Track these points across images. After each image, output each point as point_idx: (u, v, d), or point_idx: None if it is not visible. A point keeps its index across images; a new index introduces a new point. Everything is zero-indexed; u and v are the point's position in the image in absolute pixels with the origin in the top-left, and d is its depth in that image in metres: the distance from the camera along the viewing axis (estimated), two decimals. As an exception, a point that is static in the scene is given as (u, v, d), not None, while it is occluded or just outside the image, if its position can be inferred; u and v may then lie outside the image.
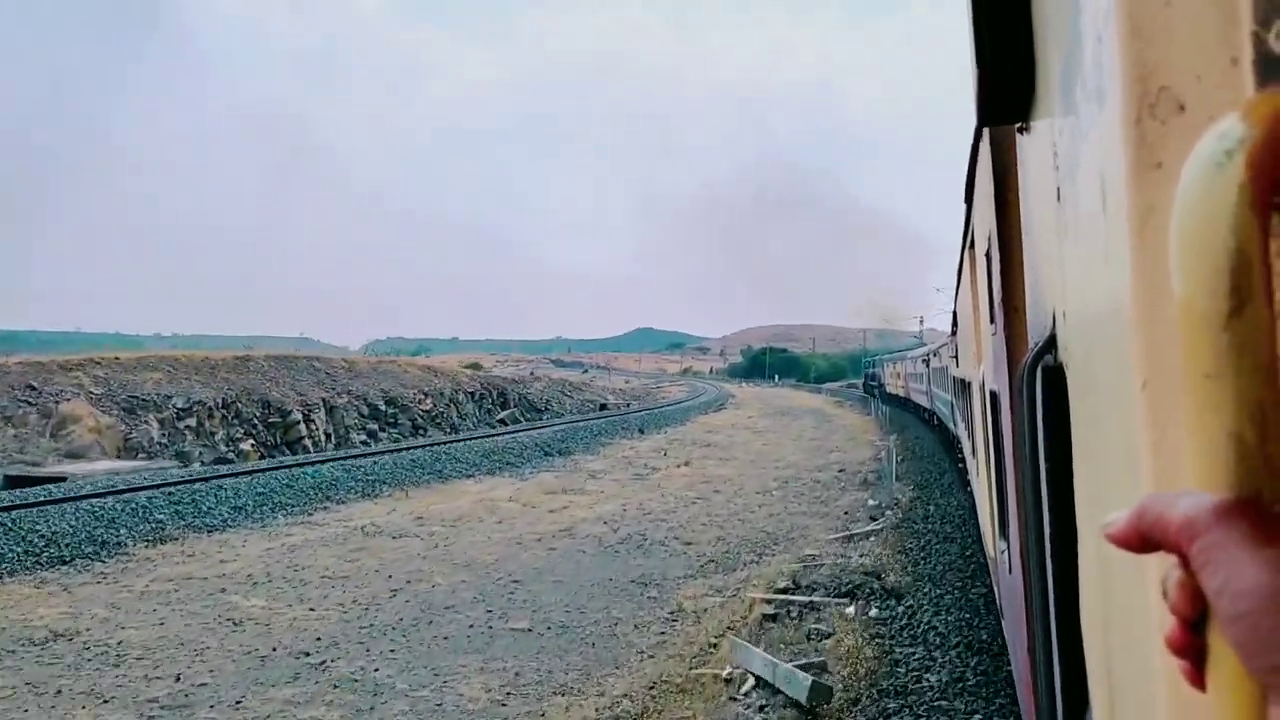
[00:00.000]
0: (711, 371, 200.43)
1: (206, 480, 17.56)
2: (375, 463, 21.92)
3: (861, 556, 12.65)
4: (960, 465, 16.15)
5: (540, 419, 46.45)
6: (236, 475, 18.30)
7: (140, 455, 24.48)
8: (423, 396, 40.63)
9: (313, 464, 20.59)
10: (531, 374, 76.85)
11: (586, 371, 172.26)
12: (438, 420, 40.50)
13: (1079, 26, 0.99)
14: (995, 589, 6.41)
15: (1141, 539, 0.50)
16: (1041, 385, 1.59)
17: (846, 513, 17.47)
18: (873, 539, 14.24)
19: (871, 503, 18.37)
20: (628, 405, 59.22)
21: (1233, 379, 0.46)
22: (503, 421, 44.61)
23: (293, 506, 17.16)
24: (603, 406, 57.06)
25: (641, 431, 38.05)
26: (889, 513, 16.88)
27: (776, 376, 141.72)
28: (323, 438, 32.03)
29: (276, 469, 19.68)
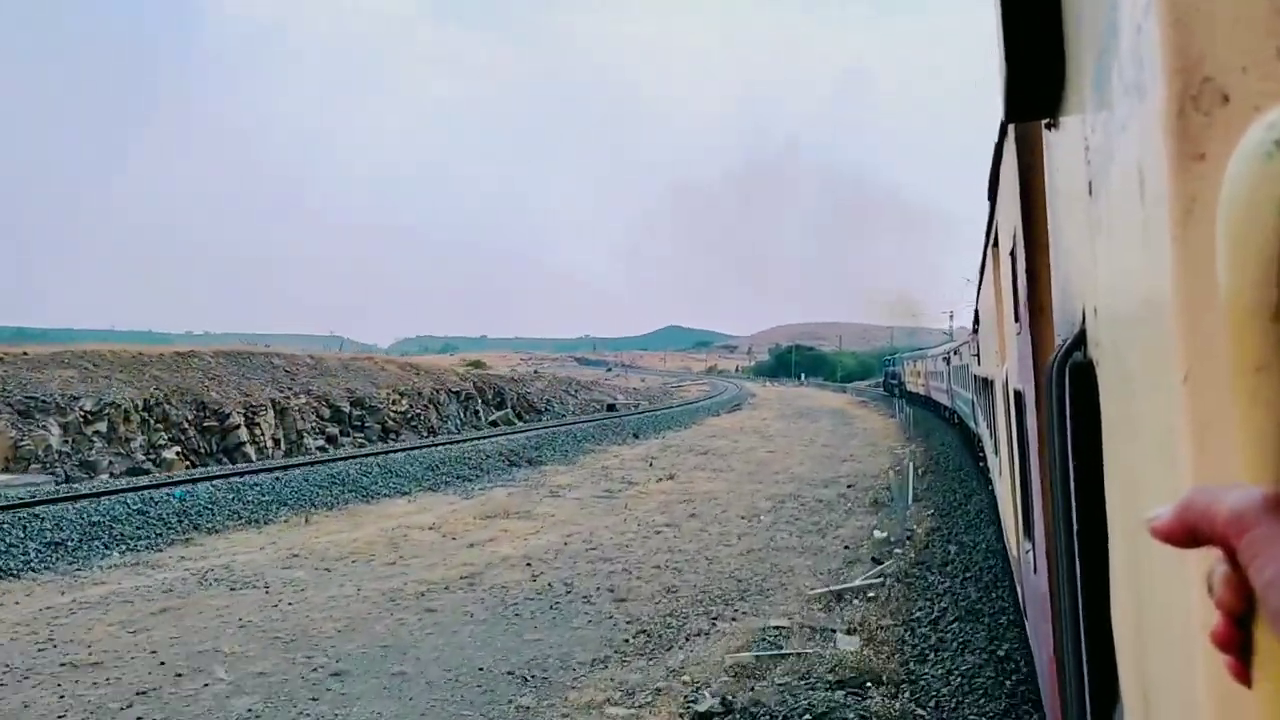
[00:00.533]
0: (738, 370, 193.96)
1: (27, 505, 13.85)
2: (279, 480, 18.27)
3: (848, 633, 8.94)
4: (983, 464, 15.19)
5: (540, 420, 43.13)
6: (72, 499, 14.50)
7: (34, 466, 21.25)
8: (398, 397, 36.89)
9: (185, 483, 16.98)
10: (535, 373, 73.84)
11: (610, 370, 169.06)
12: (413, 423, 36.77)
13: (1115, 18, 0.99)
14: (1019, 589, 6.39)
15: (1187, 532, 0.49)
16: (1070, 382, 1.59)
17: (847, 547, 13.78)
18: (870, 599, 10.51)
19: (879, 533, 14.68)
20: (635, 406, 55.00)
21: None
22: (494, 423, 40.95)
23: (138, 540, 13.59)
24: (610, 407, 52.85)
25: (636, 436, 34.65)
26: (898, 552, 13.17)
27: (803, 375, 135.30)
28: (270, 444, 28.61)
29: (131, 490, 15.85)
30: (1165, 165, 0.76)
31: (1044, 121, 1.90)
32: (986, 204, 5.70)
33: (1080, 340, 1.59)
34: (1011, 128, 3.37)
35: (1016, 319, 3.88)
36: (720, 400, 60.00)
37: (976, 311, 11.53)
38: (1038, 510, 3.35)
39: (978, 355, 12.02)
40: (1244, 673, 0.47)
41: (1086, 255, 1.47)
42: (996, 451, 8.77)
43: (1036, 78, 1.58)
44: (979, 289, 9.42)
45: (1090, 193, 1.32)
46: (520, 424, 40.36)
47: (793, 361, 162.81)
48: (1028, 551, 4.40)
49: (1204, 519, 0.47)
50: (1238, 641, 0.47)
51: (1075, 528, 1.62)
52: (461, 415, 41.47)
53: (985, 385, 10.41)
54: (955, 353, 24.51)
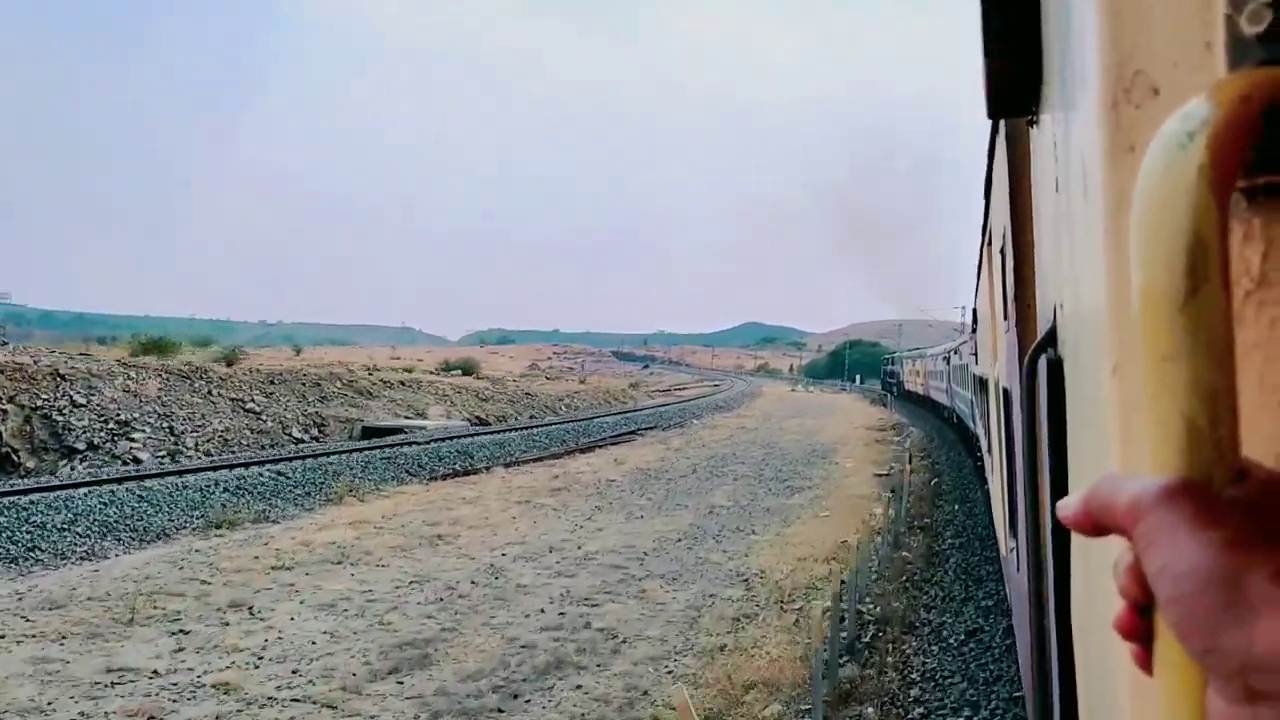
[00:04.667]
0: (791, 370, 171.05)
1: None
2: None
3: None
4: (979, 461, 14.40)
5: (73, 464, 23.00)
6: None
7: None
8: None
9: None
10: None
11: (647, 366, 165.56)
12: None
13: (1071, 11, 1.00)
14: (1007, 585, 6.32)
15: (1091, 521, 0.50)
16: (1041, 380, 1.61)
17: None
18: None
19: None
20: (428, 431, 31.39)
21: (1188, 361, 0.46)
22: None
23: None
24: (371, 433, 30.78)
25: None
26: None
27: (858, 378, 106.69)
28: None
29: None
30: (1099, 158, 0.76)
31: (1026, 119, 1.91)
32: (982, 202, 5.66)
33: (1051, 338, 1.59)
34: (1003, 125, 3.36)
35: (1006, 316, 3.89)
36: (648, 414, 40.90)
37: (974, 310, 11.61)
38: (1021, 508, 3.41)
39: (976, 354, 12.12)
40: (1147, 661, 0.48)
41: (1055, 252, 1.47)
42: (990, 450, 8.89)
43: (1016, 74, 1.57)
44: (977, 287, 9.55)
45: (1057, 189, 1.33)
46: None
47: (845, 361, 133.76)
48: (1013, 549, 4.37)
49: (1105, 508, 0.48)
50: (1140, 630, 0.48)
51: (1048, 524, 1.59)
52: None
53: (982, 384, 10.56)
54: (955, 352, 24.27)
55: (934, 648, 9.66)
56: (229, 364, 36.53)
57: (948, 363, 27.35)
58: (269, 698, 8.17)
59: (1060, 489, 1.51)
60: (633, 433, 34.44)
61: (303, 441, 29.36)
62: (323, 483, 20.72)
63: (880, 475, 22.32)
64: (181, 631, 10.12)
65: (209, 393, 29.24)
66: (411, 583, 12.34)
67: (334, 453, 24.84)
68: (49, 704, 7.95)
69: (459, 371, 58.41)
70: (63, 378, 25.36)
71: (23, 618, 10.49)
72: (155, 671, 8.82)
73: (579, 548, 14.58)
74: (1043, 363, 1.63)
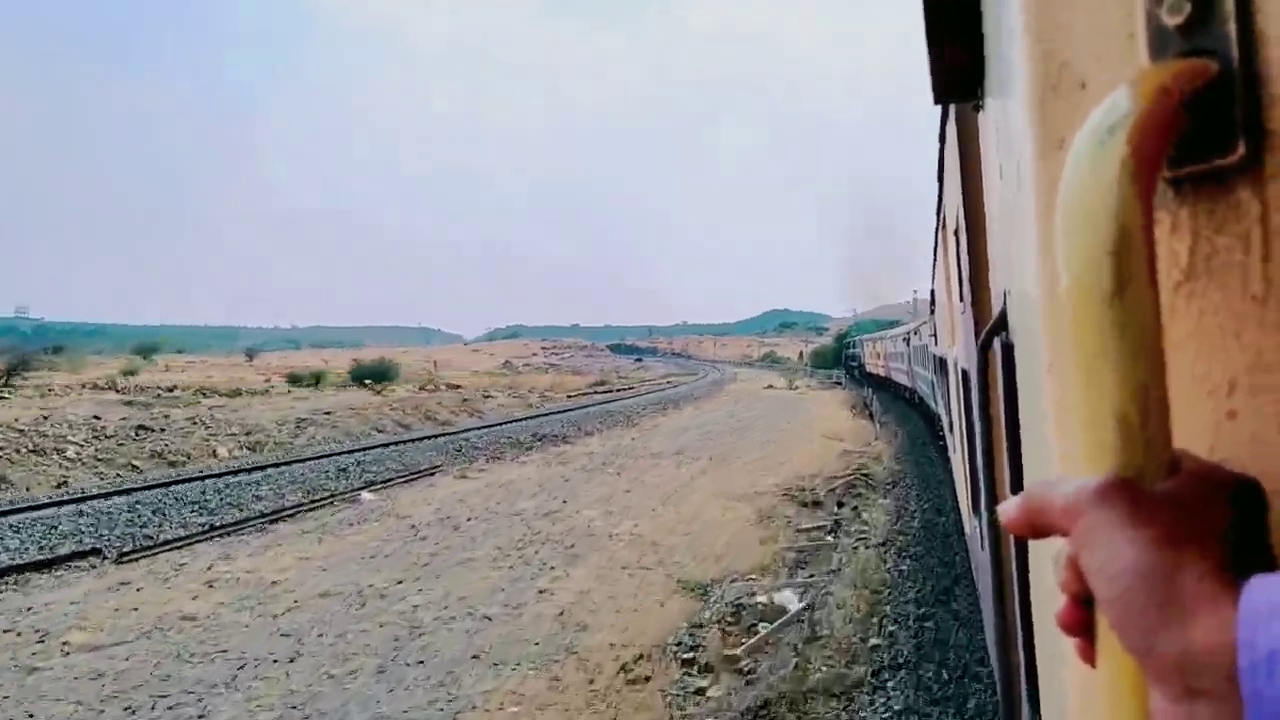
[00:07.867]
0: (800, 357, 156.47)
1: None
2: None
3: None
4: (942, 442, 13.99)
5: None
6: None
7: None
8: None
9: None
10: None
11: (639, 360, 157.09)
12: None
13: (1002, 2, 0.98)
14: (972, 564, 6.38)
15: (1030, 525, 0.50)
16: (1001, 362, 1.58)
17: None
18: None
19: None
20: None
21: (1117, 358, 0.45)
22: None
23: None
24: None
25: None
26: None
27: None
28: None
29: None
30: (1030, 151, 0.75)
31: (973, 104, 1.89)
32: (935, 184, 5.68)
33: (1003, 321, 1.59)
34: (953, 109, 3.33)
35: (961, 299, 3.91)
36: (407, 452, 22.53)
37: (932, 292, 11.66)
38: (982, 488, 3.42)
39: (935, 335, 12.17)
40: (1091, 654, 0.48)
41: (1003, 238, 1.47)
42: (951, 430, 9.04)
43: (960, 60, 1.57)
44: (934, 269, 9.59)
45: (1001, 175, 1.32)
46: None
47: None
48: (975, 528, 4.46)
49: (1042, 511, 0.48)
50: (1083, 623, 0.48)
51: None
52: None
53: (941, 364, 10.62)
54: (915, 333, 24.65)
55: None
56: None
57: (908, 344, 27.59)
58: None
59: (1017, 470, 1.50)
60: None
61: None
62: None
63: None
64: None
65: None
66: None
67: None
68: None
69: (368, 380, 42.98)
70: None
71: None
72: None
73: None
74: (997, 345, 1.63)
